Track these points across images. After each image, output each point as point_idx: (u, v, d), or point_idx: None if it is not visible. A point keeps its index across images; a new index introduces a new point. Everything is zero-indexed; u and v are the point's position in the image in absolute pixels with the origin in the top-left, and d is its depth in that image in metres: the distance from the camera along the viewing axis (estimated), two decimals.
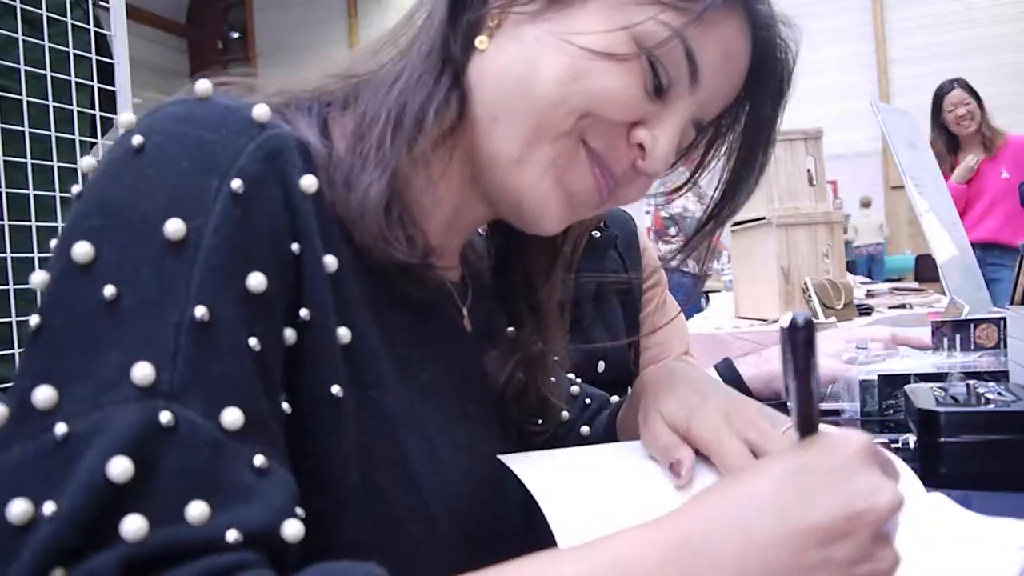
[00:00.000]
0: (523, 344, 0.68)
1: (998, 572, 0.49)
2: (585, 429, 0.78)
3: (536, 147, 0.54)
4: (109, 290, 0.39)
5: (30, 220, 1.63)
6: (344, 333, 0.48)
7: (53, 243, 0.43)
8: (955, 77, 3.44)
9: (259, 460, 0.39)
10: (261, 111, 0.47)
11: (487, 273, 0.71)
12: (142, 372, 0.37)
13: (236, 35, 7.82)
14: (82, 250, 0.40)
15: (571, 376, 0.81)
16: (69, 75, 1.71)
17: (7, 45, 1.60)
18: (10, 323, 1.55)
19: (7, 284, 1.57)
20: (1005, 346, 0.90)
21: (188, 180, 0.42)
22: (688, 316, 1.74)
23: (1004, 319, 0.91)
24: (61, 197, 1.65)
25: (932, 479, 0.66)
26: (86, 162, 0.48)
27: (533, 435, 0.73)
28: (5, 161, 1.59)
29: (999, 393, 0.72)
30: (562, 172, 0.55)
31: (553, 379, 0.73)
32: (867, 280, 3.60)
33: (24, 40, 1.61)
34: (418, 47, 0.56)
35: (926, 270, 4.27)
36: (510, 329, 0.69)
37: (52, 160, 1.68)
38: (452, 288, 0.62)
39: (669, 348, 1.40)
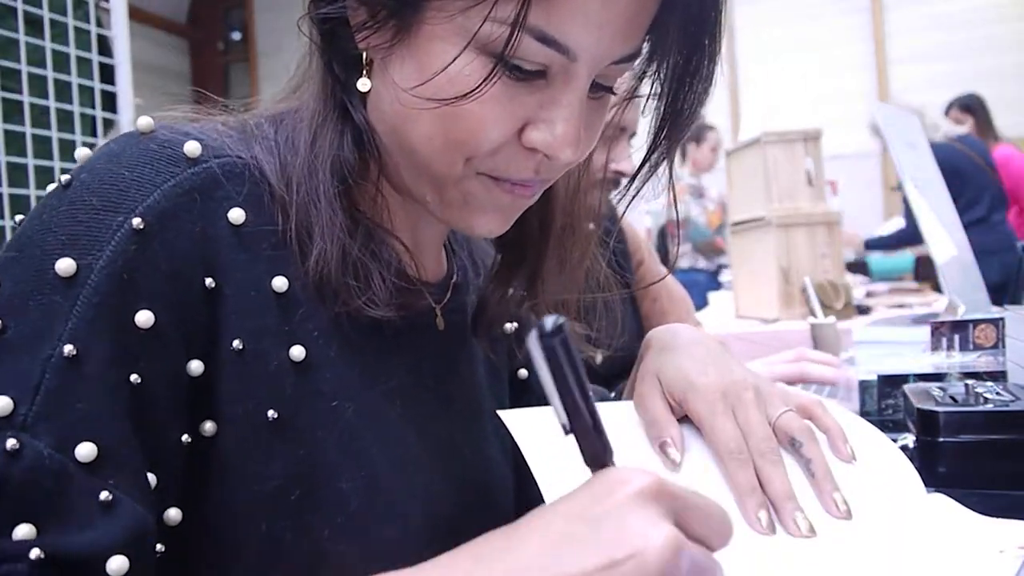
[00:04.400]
0: (503, 282, 0.66)
1: (997, 572, 0.49)
2: None
3: (442, 191, 0.53)
4: None
5: None
6: (298, 352, 0.49)
7: None
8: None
9: (104, 495, 0.41)
10: (192, 147, 0.48)
11: (474, 260, 0.70)
12: (1, 403, 0.40)
13: (237, 36, 7.83)
14: None
15: None
16: (70, 76, 1.71)
17: (8, 46, 1.61)
18: None
19: None
20: (1004, 346, 0.90)
21: (91, 217, 0.44)
22: None
23: (1003, 319, 0.91)
24: None
25: (931, 479, 0.66)
26: (81, 152, 0.49)
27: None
28: (7, 162, 1.59)
29: (997, 393, 0.73)
30: (478, 201, 0.53)
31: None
32: (866, 280, 3.61)
33: (26, 41, 1.61)
34: (312, 93, 0.54)
35: (925, 270, 4.28)
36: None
37: (53, 161, 1.68)
38: (426, 290, 0.59)
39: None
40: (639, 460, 0.55)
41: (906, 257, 5.56)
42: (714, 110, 5.59)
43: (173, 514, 0.46)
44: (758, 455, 0.52)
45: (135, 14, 2.04)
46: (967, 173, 3.39)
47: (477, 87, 0.47)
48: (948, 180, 3.40)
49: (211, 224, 0.48)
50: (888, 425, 0.87)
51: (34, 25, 1.65)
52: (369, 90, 0.53)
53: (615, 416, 0.61)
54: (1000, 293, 1.28)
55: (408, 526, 0.53)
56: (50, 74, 1.66)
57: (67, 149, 1.71)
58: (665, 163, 0.58)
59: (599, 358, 1.22)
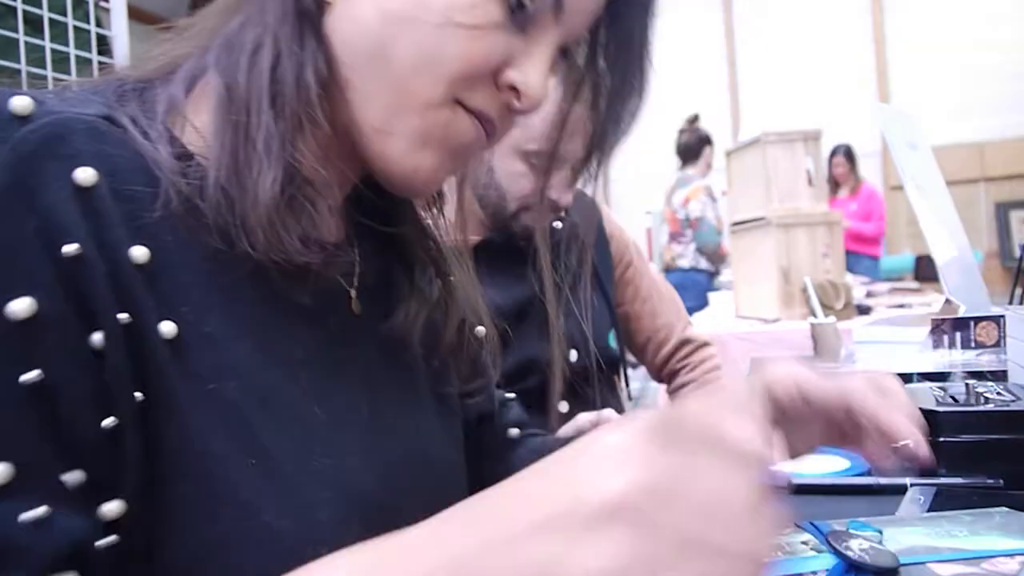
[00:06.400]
0: (421, 289, 0.62)
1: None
2: (514, 431, 0.76)
3: (401, 117, 0.49)
4: None
5: None
6: (168, 328, 0.43)
7: None
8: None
9: (28, 515, 0.37)
10: (22, 103, 0.42)
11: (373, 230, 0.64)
12: None
13: None
14: None
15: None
16: (70, 76, 1.71)
17: (8, 46, 1.61)
18: None
19: None
20: (1005, 344, 0.90)
21: None
22: (691, 313, 1.74)
23: (1003, 316, 0.91)
24: None
25: (931, 478, 0.66)
26: None
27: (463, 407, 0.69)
28: None
29: (999, 393, 0.72)
30: (438, 136, 0.50)
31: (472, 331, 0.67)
32: (866, 280, 3.61)
33: (25, 41, 1.61)
34: (270, 9, 0.49)
35: (925, 270, 4.28)
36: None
37: None
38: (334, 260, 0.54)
39: (671, 329, 1.42)
40: None
41: (906, 257, 5.56)
42: (714, 110, 5.58)
43: (113, 507, 0.40)
44: None
45: (135, 14, 2.03)
46: None
47: (485, 22, 0.47)
48: None
49: (56, 186, 0.41)
50: None
51: (34, 25, 1.65)
52: (332, 4, 0.49)
53: None
54: None
55: (314, 516, 0.47)
56: (50, 74, 1.66)
57: None
58: (600, 173, 0.60)
59: (573, 355, 1.22)
